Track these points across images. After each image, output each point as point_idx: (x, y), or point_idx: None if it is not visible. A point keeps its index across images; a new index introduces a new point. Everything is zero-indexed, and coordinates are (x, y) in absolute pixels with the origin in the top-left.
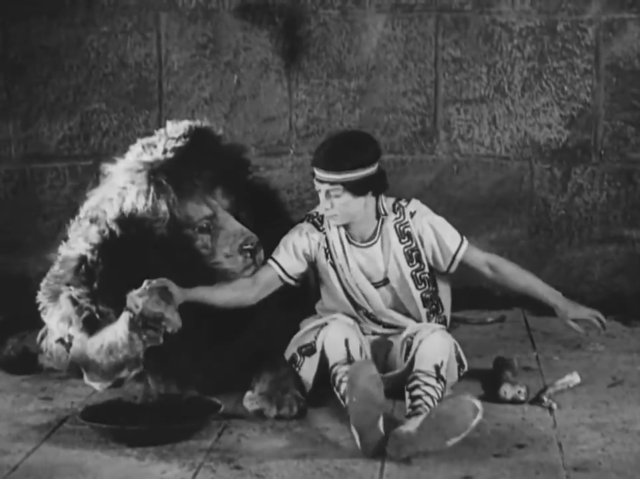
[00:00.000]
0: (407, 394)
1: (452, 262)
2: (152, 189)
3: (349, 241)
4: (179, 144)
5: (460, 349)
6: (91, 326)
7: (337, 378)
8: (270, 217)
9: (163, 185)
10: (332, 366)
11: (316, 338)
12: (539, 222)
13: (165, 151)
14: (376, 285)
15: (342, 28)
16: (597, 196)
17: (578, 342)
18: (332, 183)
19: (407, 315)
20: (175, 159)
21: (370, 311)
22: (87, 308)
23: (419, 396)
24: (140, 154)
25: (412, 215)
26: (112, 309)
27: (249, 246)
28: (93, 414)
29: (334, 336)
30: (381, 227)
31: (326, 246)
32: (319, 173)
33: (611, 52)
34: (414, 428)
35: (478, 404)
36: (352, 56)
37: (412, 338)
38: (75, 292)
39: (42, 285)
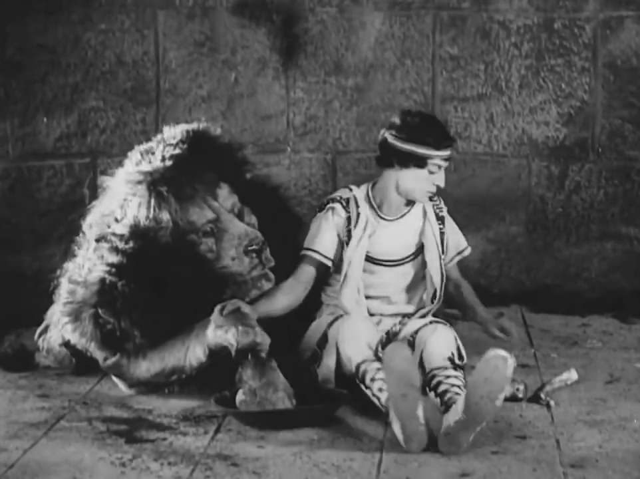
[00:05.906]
0: (432, 395)
1: (452, 259)
2: (152, 200)
3: (380, 217)
4: (177, 150)
5: (459, 342)
6: (115, 345)
7: (368, 376)
8: (273, 213)
9: (163, 195)
10: (360, 364)
11: (329, 327)
12: (536, 220)
13: (163, 159)
14: (401, 262)
15: (339, 26)
16: (594, 194)
17: (575, 340)
18: (448, 159)
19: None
20: (174, 167)
21: (379, 294)
22: (110, 329)
23: (446, 391)
24: (138, 162)
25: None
26: (136, 328)
27: (254, 247)
28: (227, 402)
29: (352, 333)
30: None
31: (347, 225)
32: (447, 152)
33: (609, 49)
34: (459, 414)
35: (502, 351)
36: (349, 54)
37: (413, 337)
38: (100, 312)
39: (62, 303)
